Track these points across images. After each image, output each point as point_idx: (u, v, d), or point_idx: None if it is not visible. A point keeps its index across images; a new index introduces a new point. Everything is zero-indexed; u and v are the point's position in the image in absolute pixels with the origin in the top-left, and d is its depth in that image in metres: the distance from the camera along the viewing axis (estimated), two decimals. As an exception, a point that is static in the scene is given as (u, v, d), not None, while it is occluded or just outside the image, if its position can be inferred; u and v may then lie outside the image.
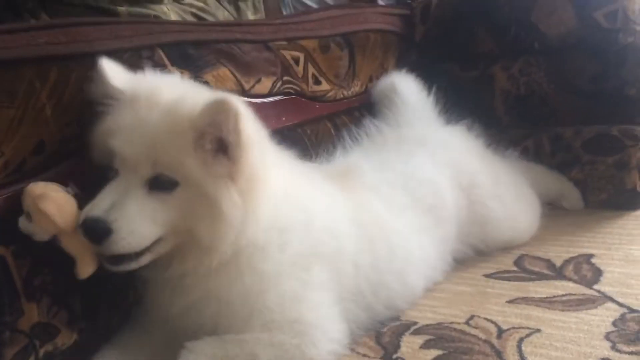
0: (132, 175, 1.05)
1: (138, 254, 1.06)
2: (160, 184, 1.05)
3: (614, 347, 1.14)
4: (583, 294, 1.38)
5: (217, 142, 1.05)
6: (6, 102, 1.04)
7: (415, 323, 1.36)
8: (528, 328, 1.26)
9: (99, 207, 1.02)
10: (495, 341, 1.23)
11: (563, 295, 1.39)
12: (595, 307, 1.31)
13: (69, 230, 1.03)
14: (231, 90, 1.49)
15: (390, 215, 1.43)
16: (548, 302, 1.37)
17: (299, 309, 1.17)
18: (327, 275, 1.24)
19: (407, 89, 1.82)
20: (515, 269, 1.59)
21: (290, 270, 1.19)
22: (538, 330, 1.25)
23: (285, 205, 1.21)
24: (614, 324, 1.23)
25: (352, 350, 1.27)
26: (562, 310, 1.32)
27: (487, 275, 1.57)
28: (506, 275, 1.56)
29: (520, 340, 1.22)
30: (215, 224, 1.06)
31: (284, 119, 1.71)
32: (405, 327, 1.35)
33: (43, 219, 1.00)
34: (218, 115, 1.02)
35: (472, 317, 1.35)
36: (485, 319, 1.33)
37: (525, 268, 1.59)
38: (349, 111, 1.99)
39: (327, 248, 1.26)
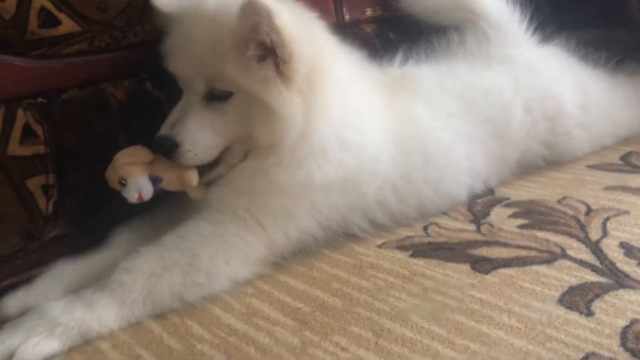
0: (191, 92, 1.14)
1: (213, 164, 1.17)
2: (215, 96, 1.12)
3: (699, 231, 1.19)
4: (683, 187, 1.40)
5: (261, 47, 1.06)
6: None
7: (507, 198, 1.47)
8: (617, 210, 1.32)
9: (165, 126, 1.12)
10: (582, 217, 1.31)
11: (662, 187, 1.42)
12: (693, 198, 1.33)
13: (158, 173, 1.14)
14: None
15: (434, 123, 1.40)
16: (644, 191, 1.40)
17: (279, 225, 1.18)
18: (348, 199, 1.25)
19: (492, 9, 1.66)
20: (620, 162, 1.62)
21: (322, 192, 1.20)
22: (627, 212, 1.31)
23: (348, 115, 1.22)
24: None
25: (445, 214, 1.41)
26: (657, 199, 1.36)
27: (590, 166, 1.61)
28: (609, 167, 1.59)
29: (607, 218, 1.29)
30: (271, 124, 1.11)
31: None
32: (497, 201, 1.46)
33: (132, 175, 1.12)
34: (251, 19, 1.02)
35: (564, 197, 1.43)
36: (577, 200, 1.41)
37: (631, 162, 1.60)
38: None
39: (362, 174, 1.26)
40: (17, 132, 1.10)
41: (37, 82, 1.12)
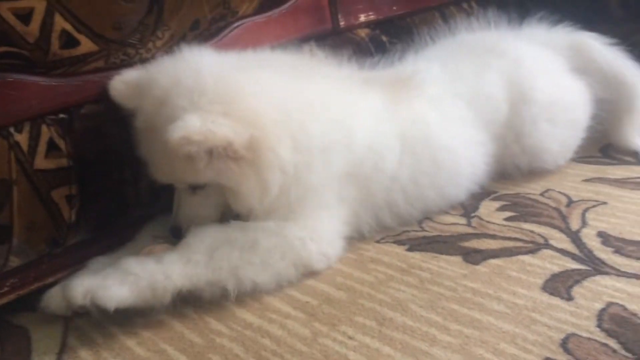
0: (178, 187, 1.29)
1: None
2: (196, 186, 1.25)
3: (670, 219, 1.30)
4: (657, 178, 1.52)
5: (202, 157, 1.15)
6: (171, -14, 1.30)
7: (495, 192, 1.58)
8: (596, 201, 1.44)
9: (172, 219, 1.30)
10: (563, 209, 1.42)
11: (637, 177, 1.53)
12: (665, 189, 1.45)
13: None
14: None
15: (445, 130, 1.44)
16: (621, 183, 1.52)
17: (323, 216, 1.30)
18: (359, 193, 1.35)
19: None
20: (599, 155, 1.73)
21: (332, 184, 1.30)
22: (604, 203, 1.42)
23: (320, 124, 1.27)
24: (677, 202, 1.37)
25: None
26: (632, 190, 1.47)
27: (571, 159, 1.71)
28: (589, 159, 1.70)
29: (586, 209, 1.40)
30: (238, 199, 1.24)
31: (395, 8, 1.88)
32: (486, 194, 1.57)
33: None
34: (185, 148, 1.10)
35: (547, 190, 1.54)
36: (559, 192, 1.52)
37: (609, 154, 1.72)
38: (458, 2, 2.11)
39: (366, 168, 1.34)
40: (42, 147, 1.18)
41: (59, 99, 1.20)
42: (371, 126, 1.36)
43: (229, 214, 1.30)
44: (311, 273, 1.28)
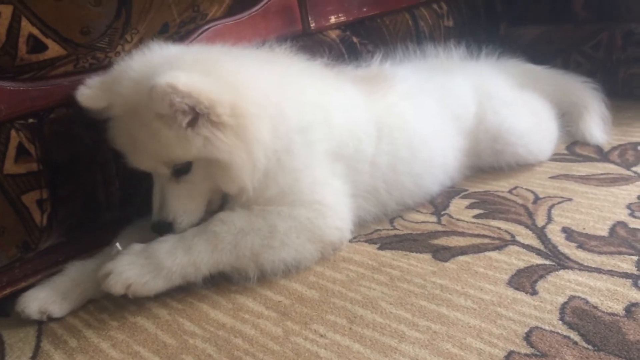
0: (159, 176, 1.27)
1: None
2: (180, 170, 1.24)
3: (631, 214, 1.34)
4: (619, 174, 1.56)
5: (186, 113, 1.14)
6: (140, -9, 1.31)
7: (465, 190, 1.61)
8: (561, 197, 1.48)
9: (154, 213, 1.28)
10: (530, 205, 1.46)
11: (601, 174, 1.58)
12: (627, 184, 1.49)
13: None
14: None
15: (419, 121, 1.52)
16: (585, 179, 1.56)
17: (323, 192, 1.33)
18: (346, 172, 1.40)
19: None
20: (565, 152, 1.77)
21: (319, 162, 1.35)
22: (570, 199, 1.46)
23: (296, 106, 1.31)
24: (638, 197, 1.41)
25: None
26: (596, 185, 1.51)
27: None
28: (555, 157, 1.74)
29: (552, 206, 1.44)
30: (228, 175, 1.22)
31: (365, 9, 1.91)
32: (456, 193, 1.60)
33: None
34: (163, 101, 1.09)
35: (515, 187, 1.58)
36: (527, 189, 1.56)
37: (575, 152, 1.76)
38: (427, 3, 2.13)
39: (348, 149, 1.39)
40: (11, 152, 1.18)
41: (28, 104, 1.20)
42: (347, 110, 1.42)
43: (213, 204, 1.31)
44: (283, 272, 1.29)
